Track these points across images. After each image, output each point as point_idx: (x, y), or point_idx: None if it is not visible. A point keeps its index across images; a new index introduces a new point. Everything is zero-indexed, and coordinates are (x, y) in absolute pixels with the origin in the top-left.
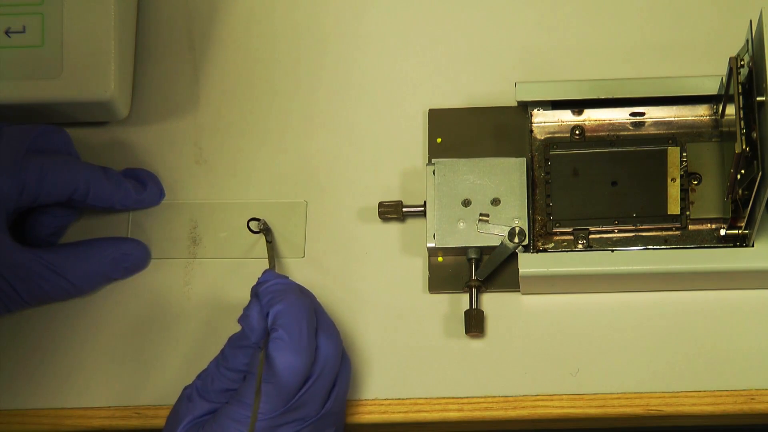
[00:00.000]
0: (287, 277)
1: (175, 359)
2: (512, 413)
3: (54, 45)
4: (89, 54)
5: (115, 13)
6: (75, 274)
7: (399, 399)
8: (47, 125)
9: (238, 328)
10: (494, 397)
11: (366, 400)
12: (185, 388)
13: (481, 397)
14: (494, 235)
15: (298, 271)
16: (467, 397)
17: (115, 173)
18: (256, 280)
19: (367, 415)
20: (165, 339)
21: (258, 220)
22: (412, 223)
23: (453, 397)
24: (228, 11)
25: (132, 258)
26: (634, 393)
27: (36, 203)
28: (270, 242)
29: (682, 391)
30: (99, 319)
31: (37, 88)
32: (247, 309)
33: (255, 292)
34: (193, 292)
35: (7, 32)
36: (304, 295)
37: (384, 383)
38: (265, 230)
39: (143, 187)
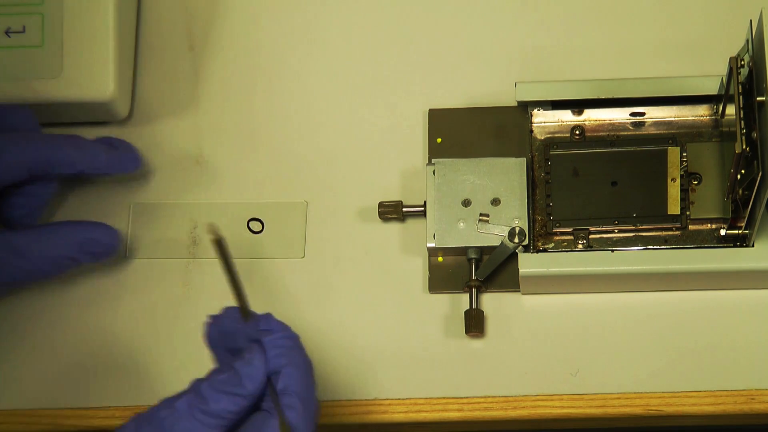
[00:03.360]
0: (289, 327)
1: (175, 360)
2: (512, 413)
3: (54, 45)
4: (89, 54)
5: (115, 13)
6: (39, 255)
7: (399, 399)
8: (6, 104)
9: None
10: (494, 397)
11: (366, 400)
12: None
13: (481, 397)
14: (494, 235)
15: (298, 271)
16: (467, 397)
17: (82, 140)
18: (260, 321)
19: (367, 415)
20: (164, 339)
21: (258, 220)
22: (412, 223)
23: (453, 397)
24: (228, 11)
25: (100, 245)
26: (634, 393)
27: None
28: (224, 256)
29: (682, 391)
30: (98, 319)
31: (37, 88)
32: (249, 354)
33: (256, 338)
34: (193, 293)
35: (7, 32)
36: (304, 351)
37: (384, 383)
38: (218, 241)
39: (115, 151)
